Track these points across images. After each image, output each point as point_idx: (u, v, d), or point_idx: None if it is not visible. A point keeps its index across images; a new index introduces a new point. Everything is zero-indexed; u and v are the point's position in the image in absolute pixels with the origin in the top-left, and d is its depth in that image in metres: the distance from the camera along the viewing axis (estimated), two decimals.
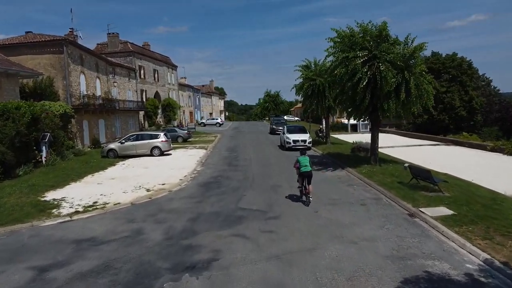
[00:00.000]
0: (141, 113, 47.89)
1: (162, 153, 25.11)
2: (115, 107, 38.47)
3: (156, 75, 53.96)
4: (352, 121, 43.97)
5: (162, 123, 54.30)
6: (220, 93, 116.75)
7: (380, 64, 15.67)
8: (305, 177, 11.97)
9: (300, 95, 26.86)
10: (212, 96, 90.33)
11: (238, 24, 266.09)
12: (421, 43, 16.18)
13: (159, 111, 54.00)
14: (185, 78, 76.69)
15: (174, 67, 61.99)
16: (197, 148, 29.64)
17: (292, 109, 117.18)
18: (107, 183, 16.28)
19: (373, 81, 16.04)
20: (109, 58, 42.79)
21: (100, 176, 18.04)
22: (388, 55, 15.87)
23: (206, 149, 29.11)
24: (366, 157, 20.86)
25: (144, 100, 49.32)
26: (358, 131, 43.85)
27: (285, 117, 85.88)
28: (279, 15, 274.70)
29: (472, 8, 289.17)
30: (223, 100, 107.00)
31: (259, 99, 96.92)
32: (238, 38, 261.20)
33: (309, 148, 26.04)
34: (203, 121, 64.85)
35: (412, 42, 16.31)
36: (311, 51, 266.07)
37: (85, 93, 32.18)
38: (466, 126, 51.10)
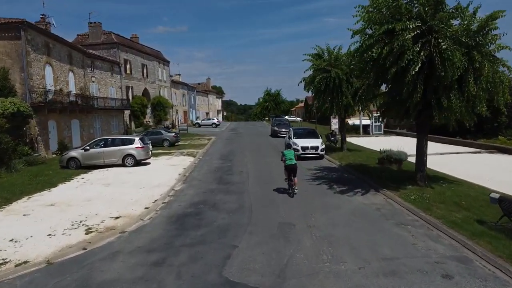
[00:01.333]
0: (127, 112, 42.68)
1: (137, 163, 19.95)
2: (93, 106, 33.30)
3: (145, 70, 48.75)
4: (365, 121, 38.80)
5: (151, 123, 49.14)
6: (218, 91, 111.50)
7: (440, 41, 10.54)
8: (290, 170, 12.62)
9: (310, 90, 21.68)
10: (209, 95, 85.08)
11: (238, 24, 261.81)
12: (496, 11, 11.04)
13: (148, 110, 48.81)
14: (179, 75, 71.46)
15: (166, 62, 56.78)
16: (184, 155, 24.45)
17: (293, 108, 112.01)
18: (37, 214, 11.12)
19: (428, 66, 10.92)
20: (90, 51, 37.64)
21: (36, 201, 12.85)
22: (448, 29, 10.77)
23: (194, 156, 23.94)
24: (400, 171, 15.73)
25: (130, 98, 44.13)
26: (371, 133, 38.75)
27: (286, 118, 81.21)
28: (279, 15, 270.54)
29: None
30: (220, 100, 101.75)
31: (259, 98, 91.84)
32: (238, 38, 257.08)
33: (321, 157, 20.89)
34: (198, 121, 59.68)
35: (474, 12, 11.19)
36: (311, 51, 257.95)
37: (52, 88, 26.99)
38: (488, 128, 45.90)
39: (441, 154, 22.00)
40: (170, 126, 44.60)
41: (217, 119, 64.72)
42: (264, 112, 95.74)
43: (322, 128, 44.42)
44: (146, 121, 48.44)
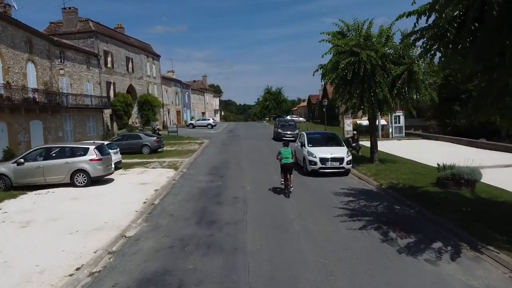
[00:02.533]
0: (107, 112, 37.04)
1: (92, 181, 14.30)
2: (61, 104, 27.66)
3: (130, 64, 43.05)
4: (382, 122, 33.13)
5: (138, 124, 43.49)
6: (216, 90, 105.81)
7: None
8: (286, 169, 11.89)
9: (330, 80, 15.96)
10: (205, 94, 79.28)
11: (238, 24, 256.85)
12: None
13: (134, 109, 43.18)
14: (173, 71, 65.81)
15: (155, 56, 51.09)
16: (163, 167, 18.78)
17: (295, 108, 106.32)
18: None
19: None
20: (64, 41, 32.01)
21: None
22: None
23: (177, 168, 18.29)
24: (485, 201, 10.11)
25: (112, 95, 38.47)
26: (391, 136, 33.12)
27: (288, 118, 76.50)
28: (279, 15, 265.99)
29: None
30: (218, 99, 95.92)
31: (258, 98, 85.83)
32: (237, 38, 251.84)
33: (347, 172, 15.23)
34: (192, 122, 53.94)
35: None
36: (312, 51, 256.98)
37: None
38: None
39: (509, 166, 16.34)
40: (157, 127, 38.88)
41: (213, 119, 59.13)
42: (264, 112, 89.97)
43: (331, 130, 38.90)
44: (132, 122, 42.80)
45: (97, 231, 9.06)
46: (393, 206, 10.59)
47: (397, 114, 29.88)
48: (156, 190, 13.37)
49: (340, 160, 14.84)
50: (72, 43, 33.07)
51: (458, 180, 11.30)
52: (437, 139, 30.76)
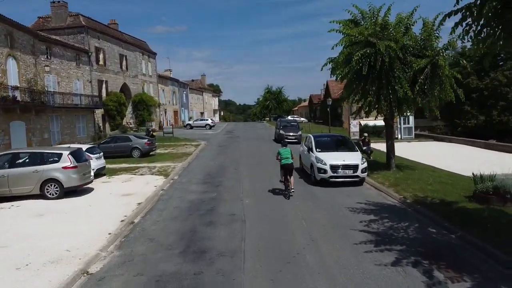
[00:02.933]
0: (99, 112, 35.01)
1: (65, 193, 12.27)
2: (46, 103, 25.66)
3: (124, 62, 41.03)
4: (378, 122, 30.98)
5: (132, 125, 41.50)
6: (215, 90, 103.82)
7: None
8: (286, 170, 11.56)
9: (342, 75, 13.89)
10: (204, 93, 77.16)
11: (237, 24, 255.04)
12: None
13: (128, 109, 41.17)
14: (170, 70, 63.81)
15: (151, 54, 49.08)
16: (152, 174, 16.76)
17: (296, 108, 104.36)
18: None
19: None
20: (53, 36, 30.04)
21: None
22: None
23: (168, 174, 16.29)
24: None
25: (104, 94, 36.46)
26: (400, 137, 31.10)
27: (289, 118, 74.85)
28: (279, 15, 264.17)
29: None
30: (217, 98, 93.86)
31: (258, 98, 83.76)
32: (237, 38, 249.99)
33: (361, 182, 13.21)
34: (190, 122, 51.88)
35: None
36: (312, 51, 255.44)
37: None
38: None
39: None
40: (151, 128, 36.80)
41: (211, 119, 57.13)
42: (264, 112, 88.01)
43: (335, 131, 37.04)
44: (127, 123, 40.80)
45: (54, 264, 7.04)
46: (427, 229, 8.54)
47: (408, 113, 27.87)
48: (139, 204, 11.35)
49: (354, 167, 12.81)
50: (61, 39, 31.05)
51: (503, 194, 9.27)
52: (450, 141, 28.76)
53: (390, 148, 15.08)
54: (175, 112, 57.63)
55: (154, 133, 31.59)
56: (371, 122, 32.07)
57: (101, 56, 36.33)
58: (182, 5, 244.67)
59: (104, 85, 36.57)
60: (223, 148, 26.48)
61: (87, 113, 32.58)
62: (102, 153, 16.91)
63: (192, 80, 75.91)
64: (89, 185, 13.63)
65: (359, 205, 10.53)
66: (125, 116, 39.92)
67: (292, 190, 11.53)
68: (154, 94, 47.93)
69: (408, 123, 31.95)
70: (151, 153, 23.03)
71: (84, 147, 15.60)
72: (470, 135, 34.67)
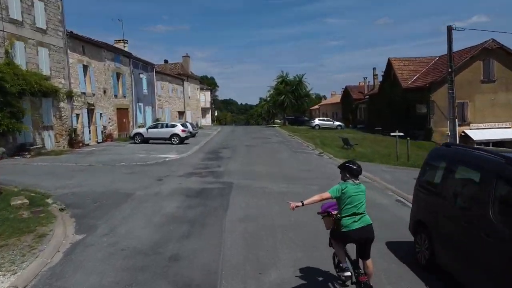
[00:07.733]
0: None
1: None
2: None
3: None
4: None
5: None
6: (208, 83, 78.26)
7: None
8: (360, 241, 4.35)
9: None
10: (185, 82, 50.59)
11: (239, 23, 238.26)
12: None
13: None
14: (124, 41, 37.89)
15: None
16: None
17: (317, 107, 78.41)
18: None
19: None
20: None
21: None
22: None
23: None
24: None
25: None
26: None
27: (317, 120, 49.13)
28: (280, 16, 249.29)
29: (473, 10, 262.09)
30: (209, 93, 67.84)
31: (269, 90, 56.69)
32: (239, 37, 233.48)
33: None
34: (140, 130, 26.24)
35: None
36: (311, 51, 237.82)
37: None
38: None
39: None
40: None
41: (189, 123, 31.61)
42: (273, 111, 62.16)
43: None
44: None
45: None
46: None
47: None
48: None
49: None
50: None
51: None
52: None
53: None
54: (123, 111, 31.74)
55: None
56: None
57: None
58: (184, 5, 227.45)
59: None
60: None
61: None
62: None
63: (166, 62, 49.94)
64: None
65: None
66: None
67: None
68: (53, 70, 22.38)
69: None
70: None
71: None
72: None
